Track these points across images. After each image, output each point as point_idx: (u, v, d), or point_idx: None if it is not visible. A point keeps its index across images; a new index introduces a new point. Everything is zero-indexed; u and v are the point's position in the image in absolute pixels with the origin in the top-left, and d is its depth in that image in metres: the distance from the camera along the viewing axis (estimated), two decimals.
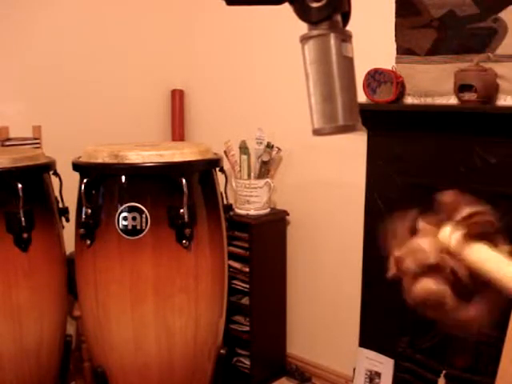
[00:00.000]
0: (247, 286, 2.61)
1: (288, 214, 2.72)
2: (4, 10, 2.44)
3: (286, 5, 0.67)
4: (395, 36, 2.16)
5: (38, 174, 1.96)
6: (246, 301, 2.65)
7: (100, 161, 1.84)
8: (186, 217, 1.80)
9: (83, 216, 1.83)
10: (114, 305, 1.88)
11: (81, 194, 1.83)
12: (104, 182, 1.87)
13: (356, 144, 2.31)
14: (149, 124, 3.05)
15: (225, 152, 2.61)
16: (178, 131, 3.08)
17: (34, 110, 2.55)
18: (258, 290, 2.62)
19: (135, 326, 1.86)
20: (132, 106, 2.94)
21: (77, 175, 1.89)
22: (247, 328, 2.64)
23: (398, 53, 2.17)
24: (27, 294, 1.88)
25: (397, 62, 2.17)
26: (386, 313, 2.30)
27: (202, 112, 3.09)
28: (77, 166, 1.90)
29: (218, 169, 2.01)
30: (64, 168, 1.99)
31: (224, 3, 0.74)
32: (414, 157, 2.13)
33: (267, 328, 2.72)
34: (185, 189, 1.78)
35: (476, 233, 0.64)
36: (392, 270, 0.68)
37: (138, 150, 1.86)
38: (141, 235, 1.80)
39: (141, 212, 1.79)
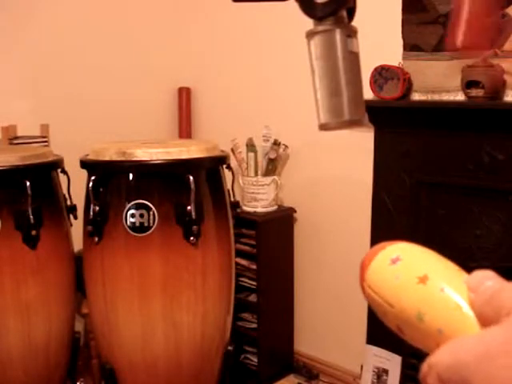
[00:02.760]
0: (254, 284, 2.61)
1: (295, 212, 2.72)
2: (11, 10, 2.45)
3: (292, 1, 0.67)
4: (402, 32, 2.15)
5: (46, 172, 1.97)
6: (253, 298, 2.65)
7: (107, 158, 1.85)
8: (193, 214, 1.81)
9: (91, 213, 1.84)
10: (121, 302, 1.88)
11: (88, 191, 1.85)
12: (111, 179, 1.88)
13: (363, 141, 2.31)
14: (156, 122, 3.06)
15: (232, 149, 2.61)
16: (184, 129, 3.09)
17: (42, 109, 2.56)
18: (265, 287, 2.63)
19: (143, 323, 1.87)
20: (139, 104, 2.95)
21: (85, 173, 1.90)
22: (255, 325, 2.65)
23: (404, 49, 2.16)
24: (36, 292, 1.89)
25: (403, 59, 2.16)
26: None
27: (209, 110, 3.10)
28: (85, 164, 1.91)
29: (224, 166, 2.02)
30: (72, 166, 2.00)
31: (230, 0, 0.74)
32: (421, 154, 2.13)
33: (275, 325, 2.73)
34: (192, 186, 1.79)
35: None
36: None
37: (145, 148, 1.87)
38: (148, 232, 1.81)
39: (148, 209, 1.80)
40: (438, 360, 0.43)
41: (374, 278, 0.55)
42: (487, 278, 0.46)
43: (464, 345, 0.42)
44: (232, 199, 2.09)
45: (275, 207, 2.68)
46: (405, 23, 2.14)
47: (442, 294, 0.48)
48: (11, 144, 2.37)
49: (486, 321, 0.43)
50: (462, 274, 0.50)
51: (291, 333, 2.83)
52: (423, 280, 0.49)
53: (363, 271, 0.57)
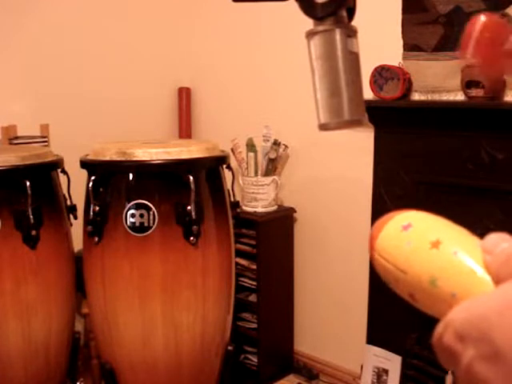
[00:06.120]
0: (254, 284, 2.61)
1: (295, 212, 2.72)
2: (10, 10, 2.45)
3: (292, 1, 0.67)
4: (402, 32, 2.15)
5: (46, 172, 1.97)
6: (253, 298, 2.65)
7: (108, 158, 1.85)
8: (193, 214, 1.81)
9: (91, 213, 1.84)
10: (121, 302, 1.89)
11: (88, 191, 1.85)
12: (111, 179, 1.88)
13: (363, 141, 2.31)
14: (156, 122, 3.06)
15: (232, 149, 2.61)
16: (184, 129, 3.09)
17: (42, 109, 2.56)
18: (265, 287, 2.63)
19: (143, 323, 1.87)
20: (139, 104, 2.95)
21: (85, 173, 1.90)
22: (255, 325, 2.65)
23: (404, 49, 2.16)
24: (36, 292, 1.89)
25: (404, 59, 2.16)
26: (394, 310, 2.29)
27: (208, 110, 3.10)
28: (85, 164, 1.91)
29: (225, 166, 2.02)
30: (72, 166, 2.00)
31: (230, 0, 0.74)
32: (421, 153, 2.13)
33: (275, 325, 2.73)
34: (192, 186, 1.79)
35: None
36: None
37: (145, 148, 1.87)
38: (148, 232, 1.81)
39: (148, 209, 1.80)
40: (455, 316, 0.42)
41: (385, 246, 0.55)
42: (503, 240, 0.45)
43: (482, 299, 0.41)
44: (232, 199, 2.09)
45: (275, 207, 2.68)
46: (405, 23, 2.14)
47: (455, 257, 0.47)
48: (11, 144, 2.37)
49: (502, 282, 0.42)
50: (475, 239, 0.49)
51: (291, 333, 2.83)
52: (436, 244, 0.49)
53: (373, 241, 0.56)
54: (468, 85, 1.93)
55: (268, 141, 2.64)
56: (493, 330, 0.38)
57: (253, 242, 2.59)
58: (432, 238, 0.50)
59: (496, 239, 0.46)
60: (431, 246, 0.49)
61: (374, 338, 2.38)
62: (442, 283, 0.47)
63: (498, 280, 0.43)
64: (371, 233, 0.57)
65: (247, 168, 2.68)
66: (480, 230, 1.75)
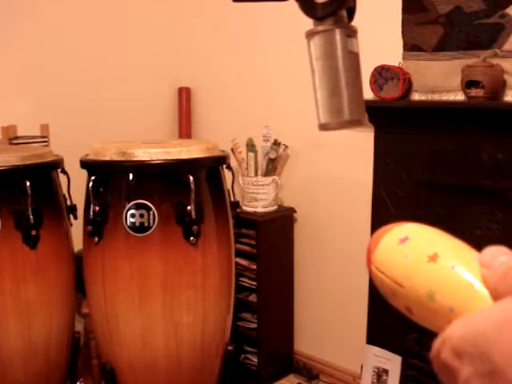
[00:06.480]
0: (254, 284, 2.61)
1: (295, 212, 2.72)
2: (11, 10, 2.45)
3: (292, 1, 0.67)
4: (402, 32, 2.15)
5: (46, 172, 1.97)
6: (253, 298, 2.65)
7: (108, 158, 1.85)
8: (193, 214, 1.81)
9: (91, 213, 1.84)
10: (122, 301, 1.89)
11: (88, 191, 1.85)
12: (112, 179, 1.88)
13: (363, 141, 2.31)
14: (156, 122, 3.05)
15: (232, 149, 2.61)
16: (184, 129, 3.09)
17: (42, 109, 2.56)
18: (265, 287, 2.63)
19: (143, 323, 1.87)
20: (139, 104, 2.95)
21: (85, 173, 1.90)
22: (255, 325, 2.65)
23: (404, 49, 2.16)
24: (36, 291, 1.89)
25: (403, 59, 2.16)
26: (394, 310, 2.29)
27: (208, 109, 3.10)
28: (85, 164, 1.91)
29: (225, 166, 2.02)
30: (72, 166, 2.00)
31: (230, 0, 0.74)
32: (421, 153, 2.13)
33: (275, 325, 2.72)
34: (192, 186, 1.79)
35: None
36: None
37: (145, 148, 1.87)
38: (148, 232, 1.81)
39: (148, 209, 1.80)
40: (452, 332, 0.41)
41: (383, 259, 0.54)
42: (501, 253, 0.44)
43: (480, 315, 0.40)
44: (232, 199, 2.09)
45: (275, 207, 2.68)
46: (405, 23, 2.14)
47: (453, 271, 0.47)
48: (11, 144, 2.37)
49: (500, 296, 0.42)
50: (472, 252, 0.49)
51: (291, 333, 2.83)
52: (433, 258, 0.48)
53: (370, 253, 0.56)
54: (468, 85, 1.93)
55: (268, 141, 2.64)
56: (490, 347, 0.38)
57: (253, 242, 2.59)
58: (429, 251, 0.49)
59: (494, 252, 0.45)
60: (429, 260, 0.49)
61: (373, 338, 2.38)
62: (440, 297, 0.46)
63: (496, 294, 0.42)
64: (368, 245, 0.57)
65: (247, 168, 2.68)
66: (480, 230, 1.76)
